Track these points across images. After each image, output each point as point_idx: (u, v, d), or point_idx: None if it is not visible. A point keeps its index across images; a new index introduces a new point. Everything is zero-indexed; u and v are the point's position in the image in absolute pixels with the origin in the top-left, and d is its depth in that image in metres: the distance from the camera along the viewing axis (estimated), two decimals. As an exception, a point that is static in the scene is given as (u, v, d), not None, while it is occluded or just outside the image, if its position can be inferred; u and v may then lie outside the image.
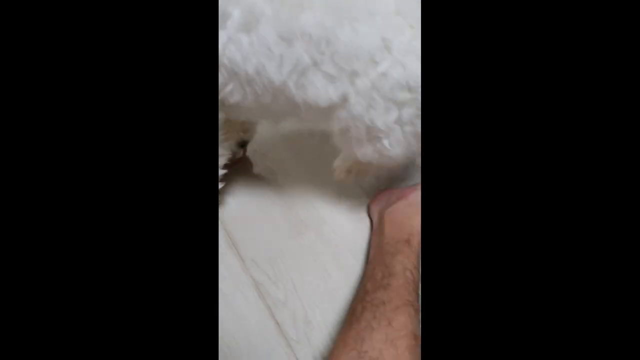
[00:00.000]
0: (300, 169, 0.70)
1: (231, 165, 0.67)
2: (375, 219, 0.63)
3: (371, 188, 0.68)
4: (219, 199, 0.67)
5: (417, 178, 0.67)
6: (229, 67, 0.43)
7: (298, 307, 0.57)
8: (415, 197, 0.59)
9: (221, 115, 0.52)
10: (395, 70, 0.42)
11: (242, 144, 0.65)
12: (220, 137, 0.63)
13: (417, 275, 0.52)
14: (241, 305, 0.57)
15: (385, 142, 0.47)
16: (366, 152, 0.50)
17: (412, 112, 0.44)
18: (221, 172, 0.58)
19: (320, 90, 0.43)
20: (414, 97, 0.43)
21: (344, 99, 0.44)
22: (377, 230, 0.61)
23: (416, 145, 0.50)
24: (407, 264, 0.52)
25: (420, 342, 0.45)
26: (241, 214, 0.66)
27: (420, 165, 0.57)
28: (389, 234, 0.57)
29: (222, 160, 0.64)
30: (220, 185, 0.59)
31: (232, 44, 0.42)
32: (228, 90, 0.45)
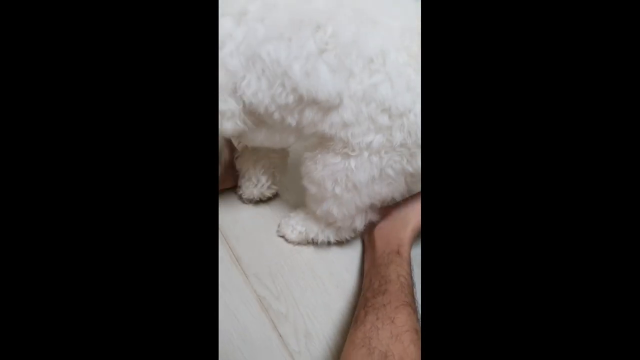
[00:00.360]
0: (300, 191, 0.74)
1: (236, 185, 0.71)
2: (365, 238, 0.69)
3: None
4: (223, 218, 0.70)
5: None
6: (246, 55, 0.47)
7: (299, 320, 0.61)
8: (398, 213, 0.65)
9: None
10: (384, 86, 0.46)
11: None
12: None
13: (410, 280, 0.57)
14: (245, 318, 0.61)
15: (353, 162, 0.51)
16: (337, 168, 0.53)
17: (383, 142, 0.49)
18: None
19: (321, 80, 0.46)
20: (390, 126, 0.48)
21: (340, 99, 0.47)
22: (368, 247, 0.67)
23: (379, 185, 0.53)
24: (400, 271, 0.57)
25: (420, 337, 0.50)
26: (244, 232, 0.70)
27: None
28: (380, 248, 0.63)
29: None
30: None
31: (250, 34, 0.46)
32: (245, 82, 0.48)
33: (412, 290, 0.57)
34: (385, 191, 0.56)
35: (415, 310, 0.53)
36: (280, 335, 0.60)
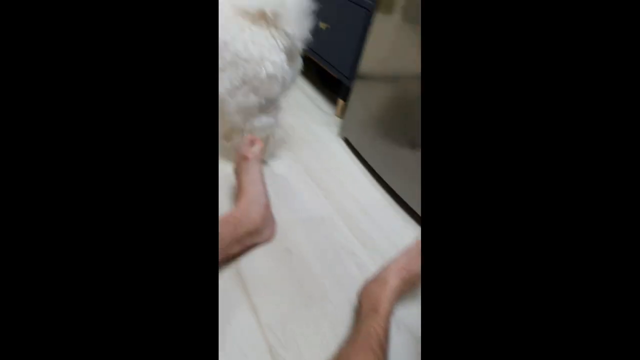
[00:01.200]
0: (312, 252, 0.85)
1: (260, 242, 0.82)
2: (358, 300, 0.78)
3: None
4: (246, 268, 0.80)
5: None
6: None
7: (303, 368, 0.69)
8: (380, 276, 0.75)
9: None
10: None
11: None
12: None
13: (382, 332, 0.64)
14: (255, 360, 0.69)
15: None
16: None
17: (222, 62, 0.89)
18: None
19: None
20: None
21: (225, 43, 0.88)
22: (358, 308, 0.76)
23: (240, 95, 0.92)
24: (372, 324, 0.65)
25: None
26: (262, 284, 0.79)
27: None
28: (364, 307, 0.72)
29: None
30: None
31: None
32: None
33: (380, 339, 0.63)
34: (250, 100, 0.96)
35: (376, 354, 0.60)
36: (284, 379, 0.67)
